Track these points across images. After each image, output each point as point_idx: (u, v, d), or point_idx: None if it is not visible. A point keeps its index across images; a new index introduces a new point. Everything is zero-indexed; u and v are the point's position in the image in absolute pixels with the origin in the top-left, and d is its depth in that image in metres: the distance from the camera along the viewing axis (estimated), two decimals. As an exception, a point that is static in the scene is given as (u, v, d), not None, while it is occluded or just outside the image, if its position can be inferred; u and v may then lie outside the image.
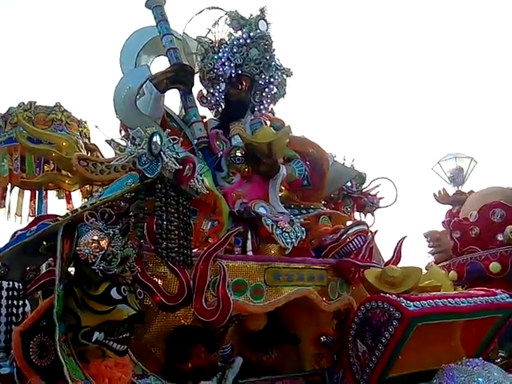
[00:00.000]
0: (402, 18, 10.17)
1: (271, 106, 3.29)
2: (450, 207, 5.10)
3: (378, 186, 3.83)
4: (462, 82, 10.35)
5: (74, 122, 4.61)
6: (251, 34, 2.95)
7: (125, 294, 1.62)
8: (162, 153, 1.56)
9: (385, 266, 2.89)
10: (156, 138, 1.54)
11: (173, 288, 2.14)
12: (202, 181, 2.01)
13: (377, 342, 2.52)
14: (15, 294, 1.83)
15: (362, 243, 2.78)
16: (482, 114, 9.87)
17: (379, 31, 9.92)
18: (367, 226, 2.89)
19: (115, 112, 2.64)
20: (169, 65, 2.92)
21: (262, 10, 3.02)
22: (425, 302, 2.49)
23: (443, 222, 4.86)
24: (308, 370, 2.84)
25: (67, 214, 1.69)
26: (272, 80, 3.15)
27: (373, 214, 3.98)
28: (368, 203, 3.75)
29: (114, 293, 1.60)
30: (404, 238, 3.23)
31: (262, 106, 3.24)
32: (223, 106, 3.20)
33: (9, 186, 4.97)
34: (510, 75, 9.78)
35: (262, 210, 2.65)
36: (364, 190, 3.84)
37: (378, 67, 9.94)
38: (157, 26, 2.96)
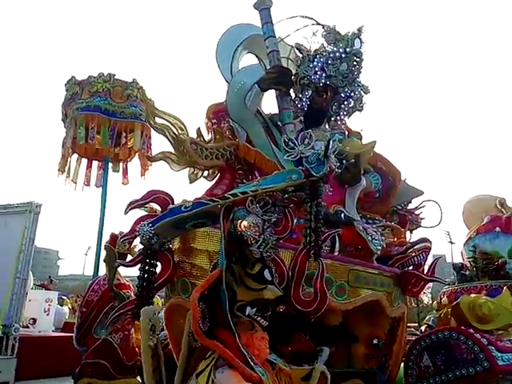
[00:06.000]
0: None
1: (345, 118, 3.49)
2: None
3: (423, 207, 4.05)
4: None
5: (147, 100, 4.75)
6: (347, 49, 3.14)
7: (274, 276, 1.78)
8: (330, 155, 1.73)
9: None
10: (331, 143, 1.71)
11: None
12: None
13: (449, 369, 2.68)
14: (151, 261, 1.95)
15: (424, 259, 3.01)
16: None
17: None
18: (431, 243, 3.11)
19: (226, 102, 2.77)
20: (268, 66, 3.08)
21: (360, 29, 3.21)
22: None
23: None
24: (357, 367, 3.04)
25: (225, 196, 1.83)
26: (352, 94, 3.34)
27: (411, 232, 4.21)
28: (412, 221, 3.97)
29: (266, 273, 1.75)
30: (440, 257, 3.57)
31: (337, 117, 3.44)
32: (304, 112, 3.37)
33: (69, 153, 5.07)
34: None
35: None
36: (408, 208, 4.06)
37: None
38: (262, 27, 3.10)
